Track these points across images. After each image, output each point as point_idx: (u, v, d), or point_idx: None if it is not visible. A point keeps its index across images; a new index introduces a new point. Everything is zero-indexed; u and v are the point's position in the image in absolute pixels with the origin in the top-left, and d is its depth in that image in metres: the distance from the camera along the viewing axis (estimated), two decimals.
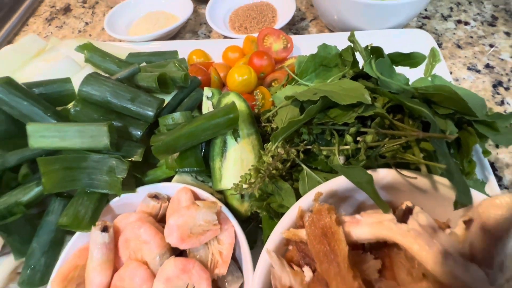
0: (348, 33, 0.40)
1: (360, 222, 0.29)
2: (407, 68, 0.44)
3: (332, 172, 0.38)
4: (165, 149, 0.38)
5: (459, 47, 0.74)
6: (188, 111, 0.45)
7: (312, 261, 0.31)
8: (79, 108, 0.42)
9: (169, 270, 0.34)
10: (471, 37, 0.76)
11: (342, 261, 0.26)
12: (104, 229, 0.37)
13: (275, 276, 0.31)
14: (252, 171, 0.37)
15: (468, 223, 0.26)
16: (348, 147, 0.34)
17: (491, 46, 0.74)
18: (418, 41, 0.65)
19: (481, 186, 0.40)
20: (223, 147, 0.44)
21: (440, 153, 0.31)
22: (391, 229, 0.27)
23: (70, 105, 0.45)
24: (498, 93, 0.65)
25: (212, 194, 0.43)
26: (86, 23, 0.93)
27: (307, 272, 0.31)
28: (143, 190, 0.43)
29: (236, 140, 0.44)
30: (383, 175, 0.34)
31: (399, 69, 0.43)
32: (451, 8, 0.83)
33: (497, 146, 0.58)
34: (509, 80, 0.67)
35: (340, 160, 0.36)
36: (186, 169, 0.43)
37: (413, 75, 0.44)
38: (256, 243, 0.45)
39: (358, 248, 0.30)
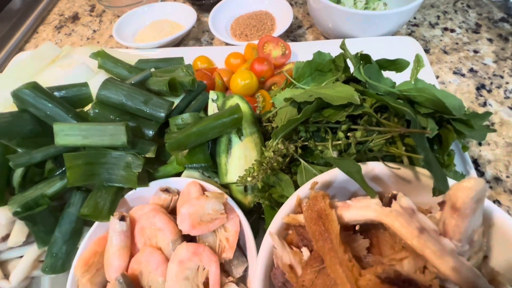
0: (341, 41, 0.45)
1: (350, 206, 0.33)
2: (394, 72, 0.49)
3: (326, 165, 0.42)
4: (177, 146, 0.42)
5: (445, 52, 0.80)
6: (196, 112, 0.49)
7: (310, 243, 0.36)
8: (97, 110, 0.47)
9: (182, 253, 0.38)
10: (457, 43, 0.81)
11: (334, 238, 0.30)
12: (122, 218, 0.42)
13: (277, 255, 0.35)
14: (256, 165, 0.41)
15: (441, 204, 0.31)
16: (340, 142, 0.38)
17: (475, 52, 0.79)
18: (407, 47, 0.71)
19: (460, 177, 0.44)
20: (228, 144, 0.48)
21: (420, 146, 0.35)
22: (377, 211, 0.31)
23: (88, 107, 0.49)
24: (481, 95, 0.70)
25: (218, 188, 0.47)
26: (94, 31, 0.97)
27: (305, 252, 0.35)
28: (155, 185, 0.47)
29: (240, 138, 0.48)
30: (372, 167, 0.38)
31: (387, 74, 0.48)
32: (438, 17, 0.89)
33: (479, 144, 0.62)
34: (491, 83, 0.72)
35: (334, 154, 0.41)
36: (194, 164, 0.47)
37: (400, 79, 0.49)
38: (258, 232, 0.49)
39: (349, 230, 0.35)
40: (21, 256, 0.45)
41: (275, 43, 0.69)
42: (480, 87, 0.72)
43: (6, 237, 0.43)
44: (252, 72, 0.60)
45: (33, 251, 0.44)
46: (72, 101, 0.50)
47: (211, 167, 0.49)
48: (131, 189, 0.46)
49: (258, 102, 0.53)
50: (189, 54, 0.72)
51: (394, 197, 0.35)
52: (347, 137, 0.38)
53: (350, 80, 0.45)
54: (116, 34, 0.81)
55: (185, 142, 0.43)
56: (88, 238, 0.43)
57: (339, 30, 0.76)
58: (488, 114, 0.46)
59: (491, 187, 0.57)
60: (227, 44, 0.81)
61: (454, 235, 0.28)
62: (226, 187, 0.50)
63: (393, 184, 0.40)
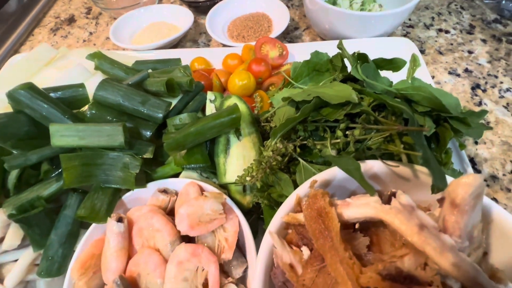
0: (338, 41, 0.45)
1: (350, 204, 0.33)
2: (391, 72, 0.49)
3: (325, 164, 0.42)
4: (176, 146, 0.42)
5: (440, 53, 0.80)
6: (194, 113, 0.49)
7: (309, 242, 0.35)
8: (94, 111, 0.46)
9: (180, 254, 0.38)
10: (451, 44, 0.82)
11: (335, 235, 0.30)
12: (119, 219, 0.41)
13: (277, 254, 0.34)
14: (255, 164, 0.41)
15: (440, 201, 0.31)
16: (339, 140, 0.38)
17: (470, 52, 0.80)
18: (402, 48, 0.71)
19: (458, 175, 0.45)
20: (227, 144, 0.48)
21: (417, 144, 0.35)
22: (376, 208, 0.31)
23: (85, 108, 0.49)
24: (476, 95, 0.71)
25: (216, 188, 0.47)
26: (90, 33, 0.97)
27: (305, 251, 0.35)
28: (153, 186, 0.47)
29: (238, 138, 0.48)
30: (370, 165, 0.38)
31: (383, 73, 0.48)
32: (433, 18, 0.90)
33: (476, 143, 0.63)
34: (486, 83, 0.73)
35: (332, 153, 0.41)
36: (192, 165, 0.46)
37: (396, 79, 0.49)
38: (257, 233, 0.49)
39: (349, 228, 0.34)
40: (16, 260, 0.44)
41: (272, 44, 0.70)
42: (475, 87, 0.73)
43: (0, 241, 0.42)
44: (250, 72, 0.60)
45: (28, 255, 0.43)
46: (69, 102, 0.49)
47: (209, 168, 0.49)
48: (128, 190, 0.46)
49: (256, 102, 0.53)
50: (186, 56, 0.72)
51: (393, 194, 0.35)
52: (346, 136, 0.38)
53: (348, 79, 0.45)
54: (113, 36, 0.81)
55: (183, 142, 0.43)
56: (85, 240, 0.42)
57: (335, 31, 0.77)
58: (484, 112, 0.46)
59: (488, 185, 0.57)
60: (224, 45, 0.82)
61: (454, 231, 0.28)
62: (224, 187, 0.49)
63: (391, 182, 0.40)
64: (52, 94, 0.48)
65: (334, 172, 0.39)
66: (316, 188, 0.35)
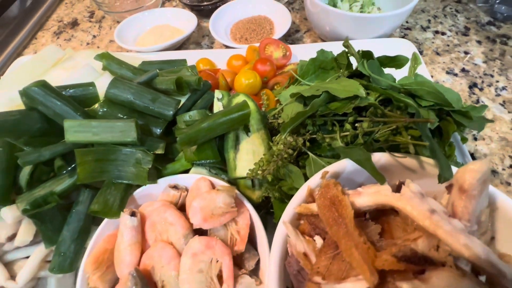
0: (339, 42, 0.47)
1: (361, 193, 0.34)
2: (393, 70, 0.51)
3: (334, 157, 0.43)
4: (188, 140, 0.43)
5: (438, 54, 0.83)
6: (203, 110, 0.50)
7: (322, 231, 0.36)
8: (106, 109, 0.47)
9: (195, 246, 0.38)
10: (448, 45, 0.85)
11: (349, 222, 0.31)
12: (132, 214, 0.42)
13: (291, 244, 0.35)
14: (266, 158, 0.42)
15: (449, 188, 0.32)
16: (348, 133, 0.40)
17: (466, 53, 0.83)
18: (402, 49, 0.73)
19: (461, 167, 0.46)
20: (236, 140, 0.49)
21: (424, 135, 0.37)
22: (388, 195, 0.33)
23: (96, 106, 0.49)
24: (473, 93, 0.73)
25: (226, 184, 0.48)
26: (94, 36, 0.98)
27: (318, 240, 0.36)
28: (163, 182, 0.48)
29: (247, 134, 0.49)
30: (378, 157, 0.39)
31: (386, 71, 0.50)
32: (429, 20, 0.93)
33: (475, 139, 0.65)
34: (482, 82, 0.76)
35: (342, 145, 0.42)
36: (202, 161, 0.47)
37: (398, 76, 0.51)
38: (267, 227, 0.49)
39: (360, 217, 0.35)
40: (27, 257, 0.44)
41: (276, 45, 0.71)
42: (472, 86, 0.75)
43: (12, 237, 0.43)
44: (255, 72, 0.62)
45: (40, 251, 0.43)
46: (79, 100, 0.50)
47: (219, 164, 0.50)
48: (139, 187, 0.47)
49: (263, 100, 0.54)
50: (190, 57, 0.73)
51: (402, 184, 0.36)
52: (355, 128, 0.39)
53: (353, 76, 0.47)
54: (117, 38, 0.82)
55: (195, 138, 0.43)
56: (97, 235, 0.43)
57: (336, 33, 0.79)
58: (484, 106, 0.48)
59: None
60: (227, 47, 0.83)
61: (463, 215, 0.30)
62: (233, 183, 0.50)
63: (398, 174, 0.41)
64: (63, 93, 0.49)
65: (343, 165, 0.40)
66: (328, 179, 0.36)
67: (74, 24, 1.03)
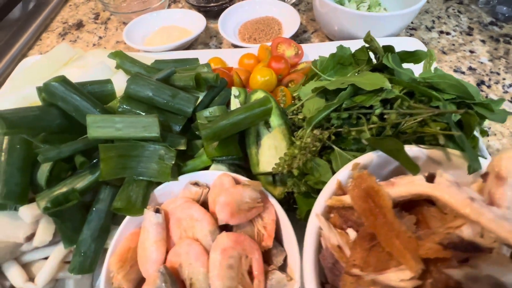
0: (352, 41, 0.47)
1: (394, 183, 0.34)
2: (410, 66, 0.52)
3: (359, 151, 0.43)
4: (213, 136, 0.42)
5: (444, 53, 0.84)
6: (223, 105, 0.50)
7: (354, 224, 0.36)
8: (125, 105, 0.46)
9: (223, 242, 0.37)
10: (453, 44, 0.87)
11: (388, 212, 0.31)
12: (157, 211, 0.41)
13: (324, 237, 0.35)
14: (290, 152, 0.42)
15: (484, 176, 0.32)
16: (375, 125, 0.39)
17: (471, 52, 0.84)
18: (412, 47, 0.74)
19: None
20: (257, 136, 0.49)
21: (452, 126, 0.37)
22: (423, 185, 0.32)
23: (115, 102, 0.48)
24: (482, 91, 0.75)
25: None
26: (100, 37, 0.97)
27: (351, 233, 0.35)
28: (183, 179, 0.47)
29: (268, 130, 0.49)
30: (406, 150, 0.39)
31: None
32: (433, 21, 0.95)
33: (487, 135, 0.66)
34: (489, 79, 0.77)
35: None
36: (224, 157, 0.47)
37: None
38: None
39: (393, 208, 0.35)
40: (45, 258, 0.42)
41: (287, 44, 0.72)
42: (480, 83, 0.76)
43: (31, 237, 0.41)
44: (271, 69, 0.62)
45: (58, 251, 0.42)
46: (96, 97, 0.49)
47: (239, 160, 0.49)
48: (158, 185, 0.46)
49: (281, 96, 0.54)
50: (201, 57, 0.73)
51: (433, 175, 0.36)
52: (383, 120, 0.39)
53: (374, 70, 0.47)
54: (126, 38, 0.81)
55: (219, 133, 0.43)
56: (120, 233, 0.41)
57: (344, 32, 0.80)
58: (501, 100, 0.48)
59: None
60: (236, 46, 0.83)
61: (502, 202, 0.30)
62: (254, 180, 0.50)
63: (425, 167, 0.41)
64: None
65: (370, 158, 0.40)
66: (360, 170, 0.36)
67: (79, 25, 1.03)
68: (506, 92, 0.74)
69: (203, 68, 0.57)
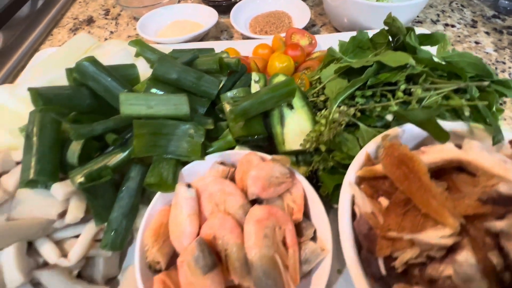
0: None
1: (425, 152, 0.35)
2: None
3: (383, 127, 0.44)
4: (242, 114, 0.43)
5: (451, 44, 0.87)
6: (247, 87, 0.51)
7: (385, 193, 0.37)
8: (153, 87, 0.47)
9: (257, 213, 0.38)
10: (459, 36, 0.89)
11: (423, 175, 0.32)
12: (188, 186, 0.41)
13: (358, 204, 0.36)
14: (317, 129, 0.43)
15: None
16: (401, 100, 0.41)
17: (477, 43, 0.87)
18: None
19: None
20: (280, 117, 0.50)
21: (475, 99, 0.39)
22: (454, 151, 0.34)
23: (139, 86, 0.49)
24: None
25: None
26: (111, 32, 0.98)
27: (383, 201, 0.36)
28: (210, 159, 0.48)
29: (291, 110, 0.50)
30: None
31: None
32: (438, 15, 0.97)
33: (503, 112, 0.67)
34: (496, 68, 0.79)
35: (390, 116, 0.43)
36: (249, 137, 0.48)
37: None
38: None
39: None
40: (76, 236, 0.43)
41: (301, 34, 0.73)
42: None
43: (63, 214, 0.41)
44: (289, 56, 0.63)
45: (90, 229, 0.42)
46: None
47: (264, 141, 0.50)
48: (184, 165, 0.46)
49: (302, 80, 0.55)
50: (215, 48, 0.74)
51: (460, 145, 0.38)
52: (409, 94, 0.40)
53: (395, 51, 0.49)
54: (140, 30, 0.83)
55: (248, 111, 0.44)
56: (151, 208, 0.42)
57: (354, 23, 0.82)
58: None
59: None
60: (249, 38, 0.85)
61: None
62: None
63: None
64: None
65: (396, 132, 0.41)
66: (390, 139, 0.37)
67: (90, 21, 1.04)
68: None
69: (223, 54, 0.58)
